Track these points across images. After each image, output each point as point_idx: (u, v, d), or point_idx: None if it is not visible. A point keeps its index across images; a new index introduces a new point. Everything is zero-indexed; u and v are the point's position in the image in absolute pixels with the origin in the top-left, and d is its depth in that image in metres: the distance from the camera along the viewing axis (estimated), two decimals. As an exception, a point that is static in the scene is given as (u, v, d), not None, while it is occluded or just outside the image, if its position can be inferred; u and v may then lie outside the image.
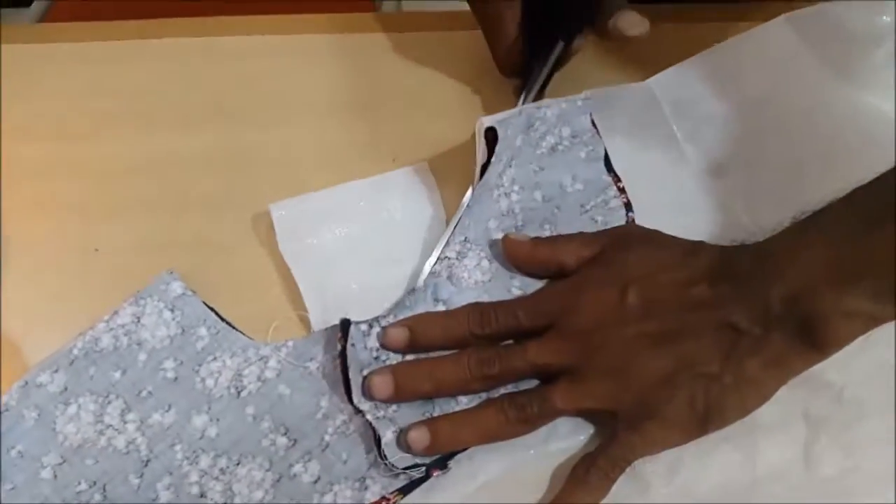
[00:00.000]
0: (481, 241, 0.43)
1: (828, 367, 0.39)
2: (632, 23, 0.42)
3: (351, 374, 0.38)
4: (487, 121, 0.43)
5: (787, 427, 0.39)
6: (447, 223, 0.44)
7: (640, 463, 0.37)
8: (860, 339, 0.38)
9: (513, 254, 0.42)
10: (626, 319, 0.38)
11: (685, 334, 0.37)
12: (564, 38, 0.45)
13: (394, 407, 0.38)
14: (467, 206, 0.43)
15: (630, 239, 0.41)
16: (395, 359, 0.39)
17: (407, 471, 0.36)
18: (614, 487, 0.37)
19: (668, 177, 0.46)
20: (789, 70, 0.47)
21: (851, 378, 0.39)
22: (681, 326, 0.37)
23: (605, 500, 0.36)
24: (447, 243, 0.42)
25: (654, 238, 0.41)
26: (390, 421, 0.38)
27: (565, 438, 0.39)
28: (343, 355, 0.38)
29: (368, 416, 0.37)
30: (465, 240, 0.42)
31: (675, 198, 0.45)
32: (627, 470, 0.37)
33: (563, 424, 0.39)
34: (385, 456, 0.36)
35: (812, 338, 0.36)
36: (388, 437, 0.37)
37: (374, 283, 0.42)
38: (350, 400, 0.38)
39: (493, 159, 0.43)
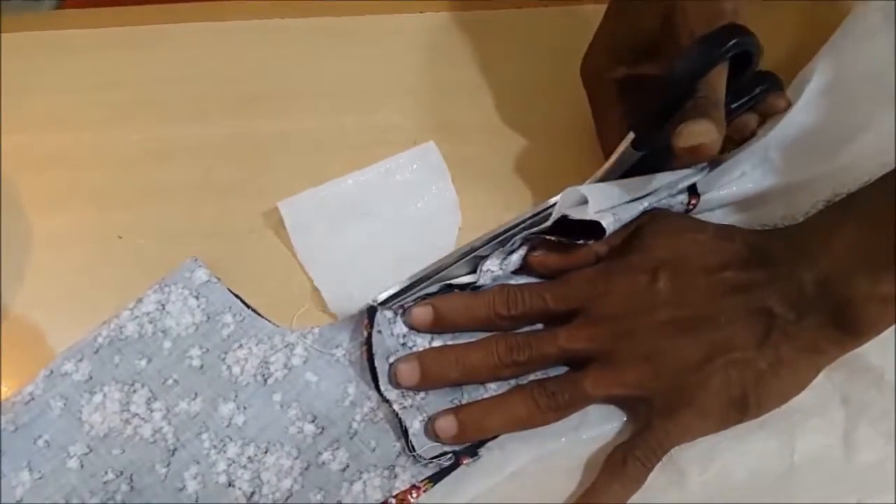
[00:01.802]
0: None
1: (869, 350, 0.38)
2: (691, 134, 0.33)
3: (377, 362, 0.37)
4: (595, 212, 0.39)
5: (825, 412, 0.38)
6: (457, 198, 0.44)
7: (675, 451, 0.36)
8: None
9: (545, 267, 0.40)
10: (657, 305, 0.37)
11: (718, 320, 0.36)
12: (636, 129, 0.37)
13: (421, 394, 0.37)
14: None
15: (660, 224, 0.40)
16: (422, 345, 0.39)
17: (435, 459, 0.36)
18: (650, 476, 0.36)
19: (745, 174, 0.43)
20: (869, 52, 0.43)
21: (890, 364, 0.39)
22: (714, 312, 0.36)
23: (640, 490, 0.36)
24: (488, 257, 0.40)
25: (685, 223, 0.40)
26: (418, 409, 0.37)
27: (597, 426, 0.38)
28: (369, 342, 0.37)
29: (395, 406, 0.37)
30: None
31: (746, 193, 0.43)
32: (663, 458, 0.36)
33: (595, 412, 0.38)
34: (413, 447, 0.36)
35: (846, 323, 0.35)
36: (415, 427, 0.37)
37: (390, 275, 0.40)
38: (377, 388, 0.37)
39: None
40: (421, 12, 0.49)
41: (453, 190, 0.44)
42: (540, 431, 0.37)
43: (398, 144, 0.45)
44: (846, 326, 0.35)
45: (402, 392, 0.37)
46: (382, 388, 0.37)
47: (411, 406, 0.37)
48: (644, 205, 0.40)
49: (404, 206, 0.43)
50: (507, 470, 0.37)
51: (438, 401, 0.37)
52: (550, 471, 0.37)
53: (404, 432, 0.36)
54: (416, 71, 0.48)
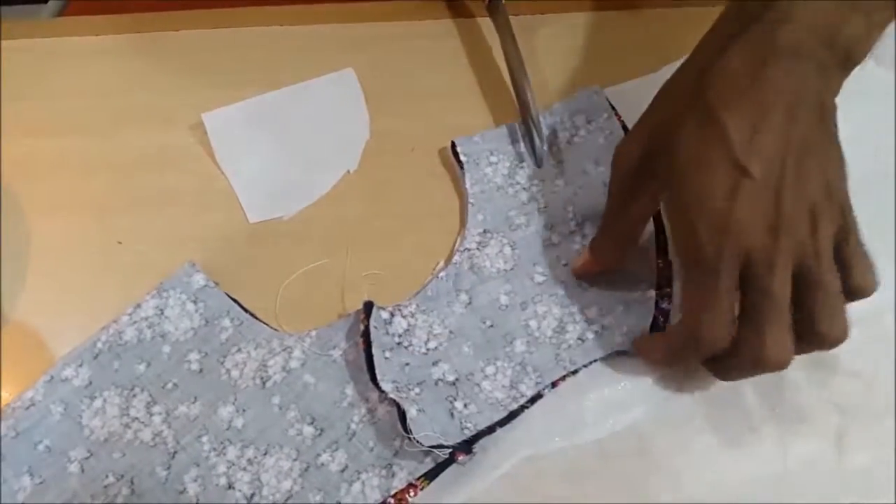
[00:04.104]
0: (502, 229, 0.43)
1: (856, 358, 0.39)
2: None
3: (374, 351, 0.37)
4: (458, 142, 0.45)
5: (817, 417, 0.38)
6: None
7: (670, 454, 0.37)
8: (888, 330, 0.39)
9: (595, 267, 0.40)
10: (783, 193, 0.33)
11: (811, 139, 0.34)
12: None
13: (416, 390, 0.38)
14: (471, 204, 0.43)
15: (666, 142, 0.36)
16: (418, 345, 0.39)
17: (433, 450, 0.36)
18: (645, 480, 0.36)
19: None
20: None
21: (880, 369, 0.39)
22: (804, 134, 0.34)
23: (635, 494, 0.36)
24: (465, 237, 0.42)
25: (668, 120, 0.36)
26: (413, 402, 0.37)
27: (592, 426, 0.38)
28: (366, 334, 0.38)
29: (392, 395, 0.37)
30: (484, 231, 0.43)
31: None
32: (656, 463, 0.37)
33: (590, 412, 0.38)
34: (410, 430, 0.36)
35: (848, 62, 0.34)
36: (412, 413, 0.37)
37: (303, 180, 0.45)
38: (373, 378, 0.37)
39: (467, 175, 0.44)
40: (421, 20, 0.50)
41: (365, 111, 0.46)
42: (535, 432, 0.38)
43: (397, 150, 0.46)
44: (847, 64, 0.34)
45: (397, 385, 0.37)
46: (379, 378, 0.37)
47: (406, 398, 0.37)
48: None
49: (317, 121, 0.46)
50: (502, 469, 0.37)
51: (432, 397, 0.38)
52: (545, 474, 0.37)
53: (402, 417, 0.36)
54: (413, 77, 0.48)
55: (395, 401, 0.36)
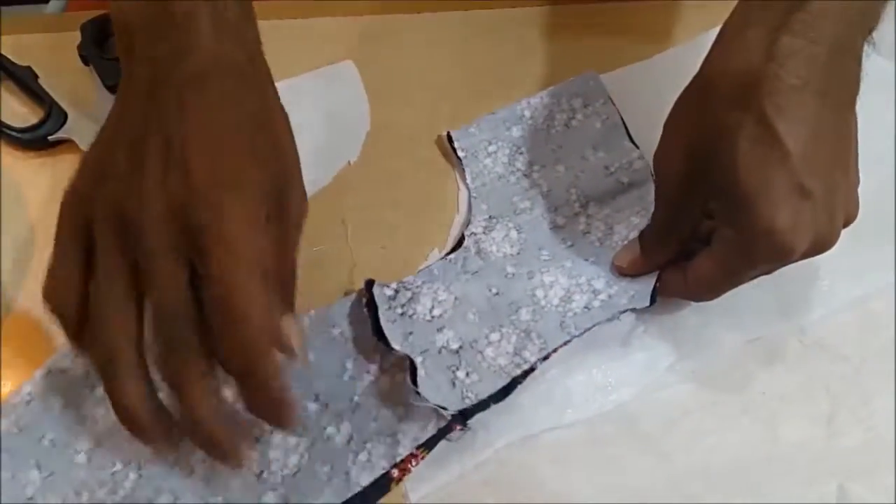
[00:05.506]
0: (508, 214, 0.43)
1: (845, 343, 0.40)
2: None
3: (381, 318, 0.38)
4: (454, 134, 0.45)
5: (808, 400, 0.40)
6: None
7: (660, 434, 0.38)
8: (876, 316, 0.41)
9: (645, 268, 0.41)
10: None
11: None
12: None
13: (419, 358, 0.38)
14: (474, 197, 0.44)
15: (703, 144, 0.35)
16: (422, 312, 0.40)
17: (437, 409, 0.36)
18: (634, 461, 0.38)
19: None
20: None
21: (868, 353, 0.41)
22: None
23: (625, 476, 0.38)
24: (470, 221, 0.43)
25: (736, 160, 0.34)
26: (420, 364, 0.38)
27: (580, 408, 0.39)
28: (371, 301, 0.38)
29: (402, 350, 0.37)
30: (489, 217, 0.43)
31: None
32: (645, 441, 0.38)
33: (577, 394, 0.39)
34: (416, 384, 0.36)
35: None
36: (421, 373, 0.37)
37: (304, 171, 0.42)
38: (380, 337, 0.38)
39: (467, 170, 0.45)
40: (419, 13, 0.50)
41: (366, 102, 0.47)
42: (525, 412, 0.39)
43: (395, 143, 0.46)
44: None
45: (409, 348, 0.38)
46: (392, 342, 0.37)
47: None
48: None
49: (318, 113, 0.46)
50: (492, 448, 0.38)
51: (434, 366, 0.38)
52: (535, 456, 0.38)
53: (412, 371, 0.37)
54: (410, 69, 0.49)
55: (398, 367, 0.37)
